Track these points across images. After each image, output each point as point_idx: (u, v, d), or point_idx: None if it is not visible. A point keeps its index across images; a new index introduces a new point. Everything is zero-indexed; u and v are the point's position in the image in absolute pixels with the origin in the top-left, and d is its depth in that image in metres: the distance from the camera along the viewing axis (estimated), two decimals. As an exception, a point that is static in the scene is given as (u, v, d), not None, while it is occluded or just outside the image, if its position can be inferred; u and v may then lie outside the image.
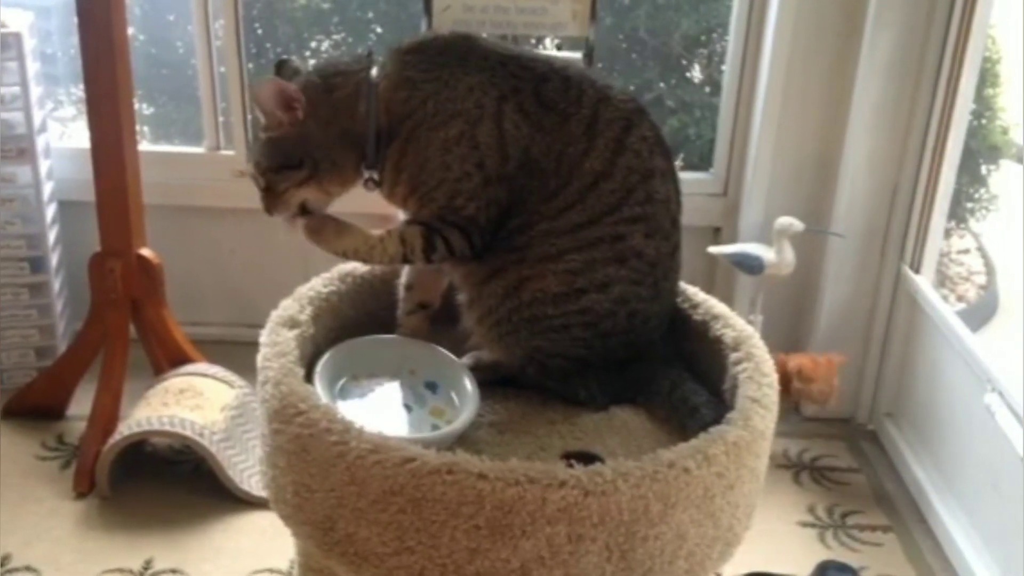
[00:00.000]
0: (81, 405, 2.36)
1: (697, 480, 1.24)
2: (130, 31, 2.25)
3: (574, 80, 1.45)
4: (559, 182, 1.42)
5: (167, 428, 2.13)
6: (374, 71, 1.44)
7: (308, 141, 1.43)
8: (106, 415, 2.25)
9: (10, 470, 2.24)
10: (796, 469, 2.41)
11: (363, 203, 1.51)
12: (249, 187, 2.59)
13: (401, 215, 1.50)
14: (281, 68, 1.48)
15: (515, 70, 1.44)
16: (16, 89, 2.37)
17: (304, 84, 1.43)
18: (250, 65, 2.65)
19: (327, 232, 1.46)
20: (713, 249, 2.49)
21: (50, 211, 2.52)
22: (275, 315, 1.51)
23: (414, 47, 1.46)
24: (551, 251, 1.42)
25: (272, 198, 1.47)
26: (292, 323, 1.48)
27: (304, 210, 1.48)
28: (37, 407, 2.41)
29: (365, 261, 1.49)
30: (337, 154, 1.44)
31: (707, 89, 2.91)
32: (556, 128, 1.42)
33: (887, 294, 2.49)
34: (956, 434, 2.23)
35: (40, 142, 2.46)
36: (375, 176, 1.45)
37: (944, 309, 2.28)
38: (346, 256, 1.47)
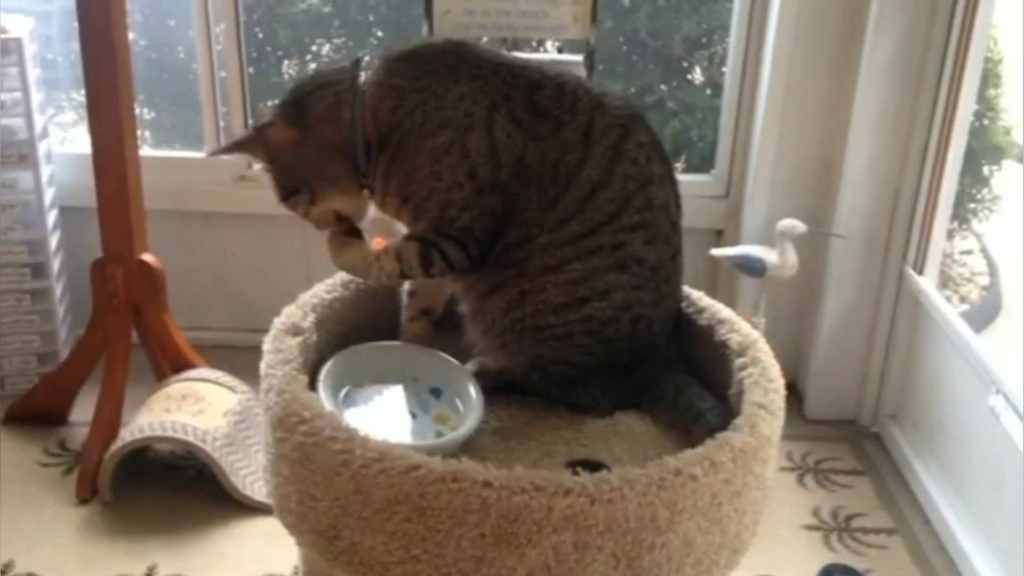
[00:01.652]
0: (83, 411, 2.36)
1: (704, 487, 1.23)
2: (131, 36, 2.24)
3: (568, 87, 1.44)
4: (557, 191, 1.41)
5: (169, 434, 2.13)
6: (361, 78, 1.44)
7: (293, 167, 1.44)
8: (108, 421, 2.25)
9: (12, 476, 2.24)
10: (800, 472, 2.40)
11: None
12: (250, 191, 2.62)
13: (403, 229, 1.50)
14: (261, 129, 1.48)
15: (507, 78, 1.43)
16: (17, 95, 2.37)
17: (275, 115, 1.44)
18: (251, 70, 2.65)
19: (333, 246, 1.48)
20: (715, 251, 2.49)
21: (51, 217, 2.52)
22: (278, 322, 1.50)
23: (405, 55, 1.45)
24: (551, 263, 1.41)
25: (309, 220, 1.49)
26: (295, 330, 1.48)
27: (343, 218, 1.49)
28: (39, 413, 2.40)
29: (364, 278, 1.50)
30: (328, 169, 1.44)
31: (708, 91, 2.91)
32: (550, 136, 1.41)
33: (890, 296, 2.48)
34: (960, 436, 2.22)
35: (41, 147, 2.46)
36: (371, 184, 1.45)
37: (947, 310, 2.28)
38: (345, 270, 1.50)
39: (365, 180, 1.45)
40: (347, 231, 1.49)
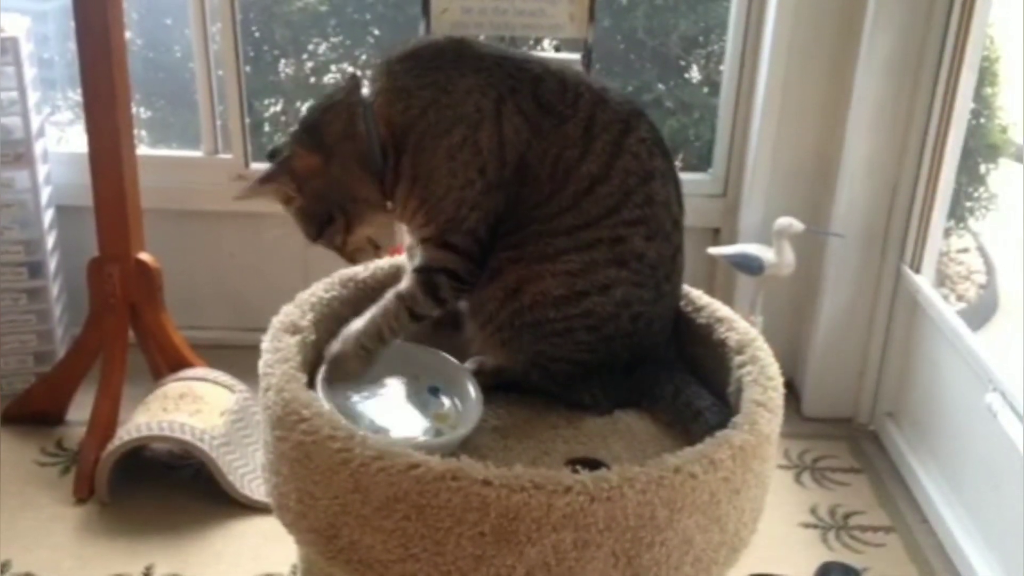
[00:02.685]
0: (80, 410, 2.35)
1: (703, 485, 1.23)
2: (127, 35, 2.25)
3: (570, 83, 1.44)
4: (553, 187, 1.40)
5: (167, 433, 2.12)
6: (365, 90, 1.43)
7: (323, 194, 1.42)
8: (105, 420, 2.25)
9: (9, 476, 2.23)
10: (798, 470, 2.40)
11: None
12: (248, 191, 2.60)
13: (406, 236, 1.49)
14: (273, 154, 1.46)
15: (512, 71, 1.43)
16: (14, 94, 2.37)
17: (291, 144, 1.43)
18: (248, 69, 2.65)
19: (344, 352, 1.42)
20: (713, 250, 2.49)
21: (48, 216, 2.51)
22: (276, 321, 1.50)
23: (405, 56, 1.44)
24: (547, 250, 1.41)
25: (344, 254, 1.47)
26: (294, 329, 1.48)
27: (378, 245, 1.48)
28: (36, 413, 2.40)
29: (383, 337, 1.43)
30: (356, 187, 1.42)
31: (706, 90, 2.91)
32: (553, 131, 1.41)
33: (887, 294, 2.49)
34: (957, 433, 2.23)
35: (38, 147, 2.45)
36: (390, 193, 1.45)
37: (944, 308, 2.28)
38: (368, 348, 1.43)
39: (385, 188, 1.44)
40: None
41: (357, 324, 1.44)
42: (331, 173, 1.41)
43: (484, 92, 1.39)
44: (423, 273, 1.43)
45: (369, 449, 1.23)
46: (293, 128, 1.46)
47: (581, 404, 1.48)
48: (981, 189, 3.24)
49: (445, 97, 1.39)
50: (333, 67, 2.98)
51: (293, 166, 1.41)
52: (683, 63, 2.95)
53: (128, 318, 2.33)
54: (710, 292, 1.62)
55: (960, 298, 3.27)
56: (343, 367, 1.42)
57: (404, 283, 1.45)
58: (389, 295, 1.44)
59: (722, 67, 2.66)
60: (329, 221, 1.43)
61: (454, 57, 1.43)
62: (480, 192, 1.40)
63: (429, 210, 1.42)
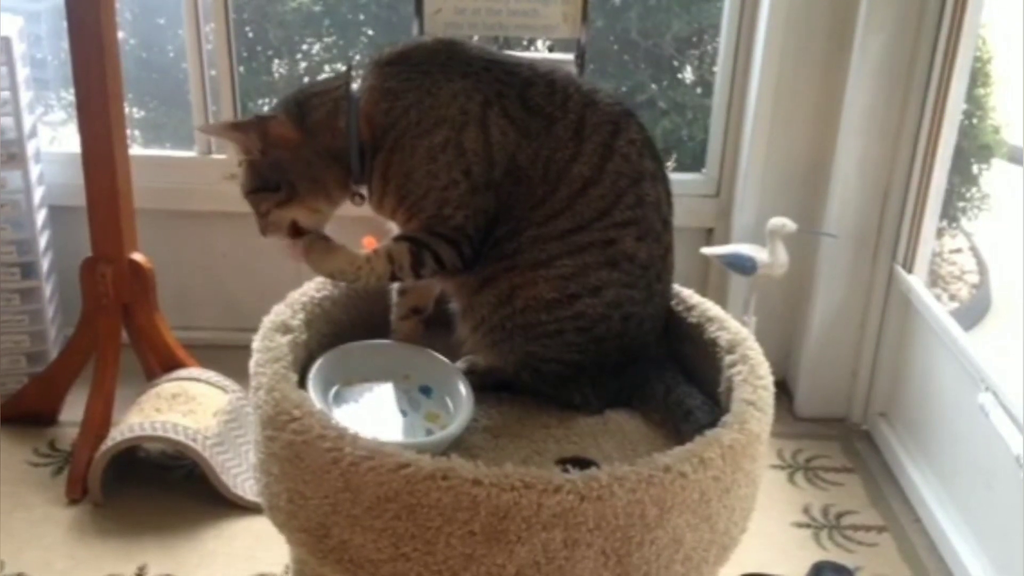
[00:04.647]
0: (73, 411, 2.34)
1: (693, 484, 1.24)
2: (120, 35, 2.24)
3: (559, 84, 1.45)
4: (547, 189, 1.41)
5: (160, 433, 2.12)
6: (355, 85, 1.44)
7: (283, 165, 1.43)
8: (98, 421, 2.24)
9: (2, 477, 2.23)
10: (790, 470, 2.41)
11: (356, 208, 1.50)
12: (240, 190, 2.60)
13: (394, 229, 1.49)
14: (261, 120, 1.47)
15: (499, 75, 1.43)
16: (6, 94, 2.36)
17: (278, 111, 1.44)
18: (241, 68, 2.65)
19: (315, 253, 1.46)
20: (706, 250, 2.49)
21: (41, 216, 2.51)
22: (267, 320, 1.50)
23: (394, 57, 1.45)
24: (541, 257, 1.41)
25: (261, 220, 1.48)
26: (285, 328, 1.48)
27: (298, 231, 1.47)
28: (29, 413, 2.39)
29: (353, 282, 1.48)
30: (318, 172, 1.43)
31: (699, 90, 2.91)
32: (542, 133, 1.41)
33: (880, 294, 2.49)
34: (950, 433, 2.23)
35: (30, 147, 2.45)
36: (362, 191, 1.45)
37: (937, 308, 2.29)
38: (333, 277, 1.48)
39: (357, 186, 1.45)
40: (321, 237, 1.48)
41: (343, 257, 1.44)
42: (300, 152, 1.42)
43: (470, 96, 1.40)
44: (413, 244, 1.43)
45: (359, 449, 1.23)
46: (282, 98, 1.47)
47: (572, 404, 1.49)
48: (974, 189, 3.25)
49: (429, 99, 1.40)
50: (327, 67, 2.98)
51: (268, 128, 1.42)
52: (676, 64, 2.96)
53: (121, 318, 2.33)
54: (703, 292, 1.63)
55: (953, 298, 3.28)
56: (312, 263, 1.45)
57: (396, 251, 1.44)
58: (380, 254, 1.44)
59: (715, 68, 2.66)
60: (272, 188, 1.43)
61: (444, 61, 1.43)
62: (466, 192, 1.40)
63: (409, 208, 1.43)
